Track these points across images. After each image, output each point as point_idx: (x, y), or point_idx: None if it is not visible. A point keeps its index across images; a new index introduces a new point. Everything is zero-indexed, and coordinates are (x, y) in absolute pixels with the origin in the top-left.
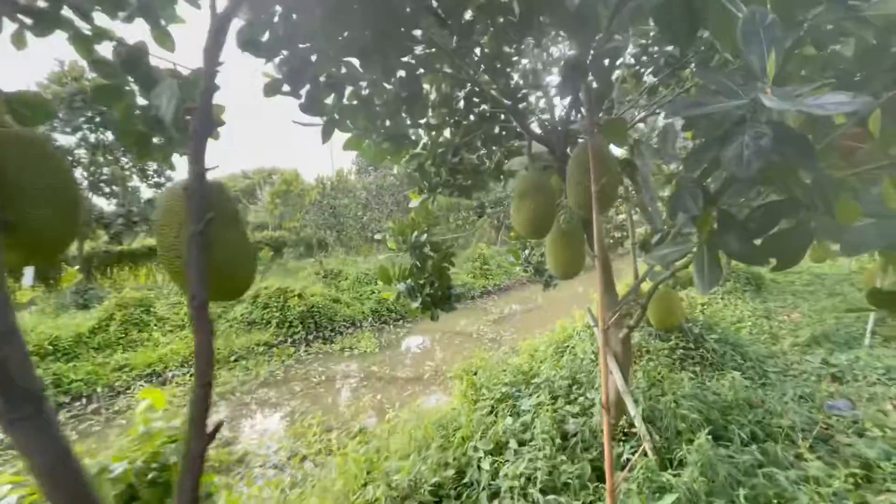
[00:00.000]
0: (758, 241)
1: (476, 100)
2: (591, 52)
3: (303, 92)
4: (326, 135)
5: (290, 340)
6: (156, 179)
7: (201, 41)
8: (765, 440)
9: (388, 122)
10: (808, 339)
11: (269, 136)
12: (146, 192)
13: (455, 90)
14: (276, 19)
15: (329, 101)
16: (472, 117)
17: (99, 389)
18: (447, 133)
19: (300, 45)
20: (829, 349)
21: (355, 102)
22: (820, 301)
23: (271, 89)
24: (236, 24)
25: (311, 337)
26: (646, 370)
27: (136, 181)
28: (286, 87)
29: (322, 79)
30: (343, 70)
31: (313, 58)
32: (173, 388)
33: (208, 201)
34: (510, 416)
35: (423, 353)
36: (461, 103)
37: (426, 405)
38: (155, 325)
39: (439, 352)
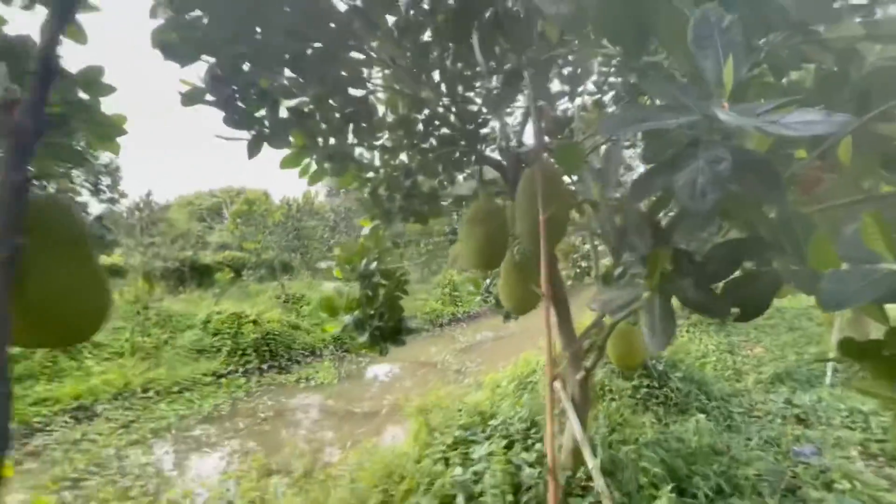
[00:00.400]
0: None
1: (437, 122)
2: (528, 56)
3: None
4: (253, 150)
5: (241, 370)
6: (109, 195)
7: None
8: (731, 494)
9: (331, 140)
10: (771, 376)
11: (243, 155)
12: (97, 208)
13: (413, 112)
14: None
15: (263, 113)
16: (432, 141)
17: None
18: (404, 156)
19: (226, 52)
20: (792, 388)
21: (287, 116)
22: (781, 335)
23: (190, 98)
24: (154, 23)
25: (265, 366)
26: (607, 412)
27: (86, 196)
28: (210, 97)
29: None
30: (284, 81)
31: (245, 66)
32: (102, 424)
33: (25, 222)
34: (461, 465)
35: (383, 385)
36: (420, 126)
37: (380, 445)
38: (90, 353)
39: (401, 384)
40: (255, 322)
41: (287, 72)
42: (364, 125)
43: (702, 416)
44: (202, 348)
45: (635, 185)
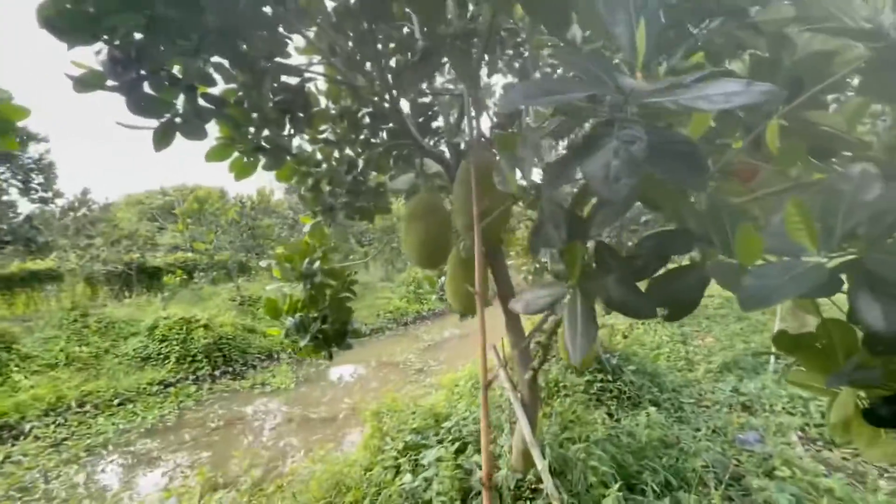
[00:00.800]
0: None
1: (386, 115)
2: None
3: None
4: (161, 141)
5: (191, 378)
6: (41, 194)
7: None
8: (679, 488)
9: (265, 132)
10: (720, 365)
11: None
12: (26, 207)
13: (357, 104)
14: None
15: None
16: (382, 135)
17: None
18: (350, 151)
19: (120, 25)
20: (739, 376)
21: (204, 104)
22: (730, 325)
23: (85, 84)
24: None
25: (217, 373)
26: (560, 410)
27: (14, 195)
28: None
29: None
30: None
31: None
32: (29, 444)
33: None
34: (411, 471)
35: (343, 388)
36: (367, 119)
37: (333, 452)
38: (17, 365)
39: (361, 386)
40: (206, 326)
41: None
42: (301, 115)
43: (653, 408)
44: (147, 356)
45: (548, 171)
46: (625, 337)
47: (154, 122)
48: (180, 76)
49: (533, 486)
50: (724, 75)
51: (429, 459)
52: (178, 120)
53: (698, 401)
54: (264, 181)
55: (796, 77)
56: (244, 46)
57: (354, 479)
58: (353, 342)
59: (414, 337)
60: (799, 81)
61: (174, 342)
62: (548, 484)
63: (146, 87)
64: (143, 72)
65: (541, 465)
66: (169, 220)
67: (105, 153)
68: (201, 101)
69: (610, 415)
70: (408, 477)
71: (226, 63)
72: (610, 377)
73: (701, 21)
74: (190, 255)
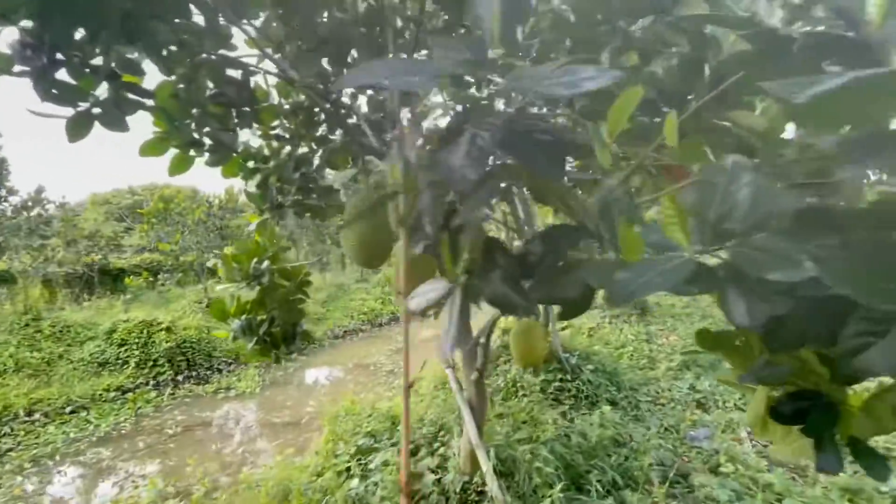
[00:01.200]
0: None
1: (343, 111)
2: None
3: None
4: (75, 131)
5: (152, 383)
6: None
7: None
8: (626, 486)
9: (207, 127)
10: (679, 363)
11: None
12: None
13: (310, 100)
14: None
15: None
16: (339, 131)
17: None
18: (306, 146)
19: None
20: (697, 374)
21: (129, 95)
22: (695, 324)
23: None
24: None
25: (180, 377)
26: (515, 411)
27: None
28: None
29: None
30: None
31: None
32: None
33: None
34: (361, 476)
35: (310, 392)
36: (322, 115)
37: (294, 457)
38: None
39: (328, 389)
40: (168, 329)
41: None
42: (247, 110)
43: (608, 408)
44: (105, 361)
45: (420, 163)
46: (589, 336)
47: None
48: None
49: (479, 489)
50: (589, 63)
51: (375, 463)
52: (96, 110)
53: (655, 399)
54: (234, 180)
55: (720, 76)
56: (185, 37)
57: (303, 484)
58: (340, 342)
59: (388, 338)
60: (722, 80)
61: (134, 346)
62: (492, 485)
63: (64, 74)
64: (57, 57)
65: (486, 466)
66: (137, 220)
67: (70, 152)
68: (126, 92)
69: (564, 414)
70: (355, 482)
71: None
72: (569, 377)
73: (636, 20)
74: (160, 256)
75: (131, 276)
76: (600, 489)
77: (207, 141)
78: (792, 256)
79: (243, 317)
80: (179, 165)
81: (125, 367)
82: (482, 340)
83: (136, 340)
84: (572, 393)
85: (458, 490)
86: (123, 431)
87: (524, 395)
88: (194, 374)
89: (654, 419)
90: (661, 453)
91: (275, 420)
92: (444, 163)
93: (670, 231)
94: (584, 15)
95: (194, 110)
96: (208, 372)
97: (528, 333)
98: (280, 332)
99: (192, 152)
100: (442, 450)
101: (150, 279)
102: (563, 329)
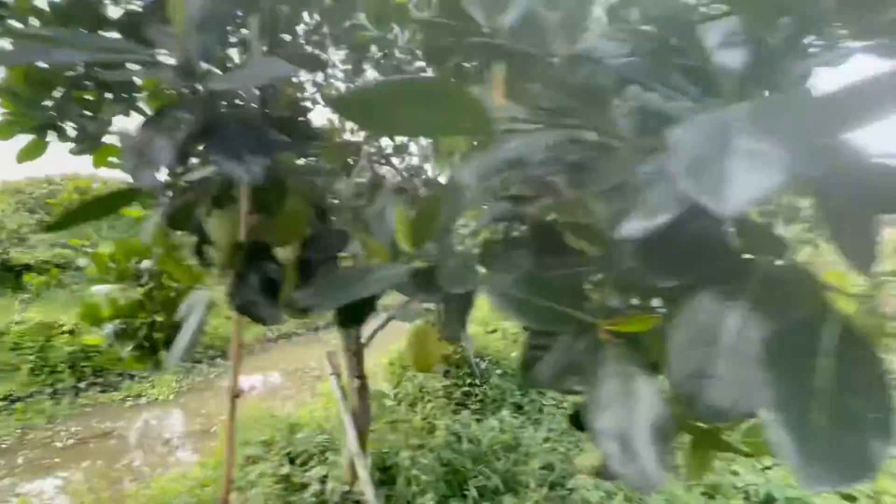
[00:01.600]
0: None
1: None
2: None
3: None
4: None
5: (48, 391)
6: None
7: None
8: (508, 491)
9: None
10: None
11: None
12: None
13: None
14: None
15: None
16: None
17: None
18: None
19: None
20: None
21: None
22: None
23: None
24: None
25: (83, 384)
26: (410, 417)
27: None
28: None
29: None
30: None
31: None
32: None
33: None
34: (237, 489)
35: (228, 399)
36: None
37: (193, 469)
38: None
39: (251, 396)
40: (72, 332)
41: None
42: (124, 95)
43: (507, 412)
44: None
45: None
46: (515, 342)
47: None
48: None
49: (356, 499)
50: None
51: (254, 475)
52: None
53: (558, 403)
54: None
55: None
56: None
57: (180, 499)
58: (272, 345)
59: (323, 342)
60: None
61: (28, 351)
62: (368, 494)
63: None
64: None
65: (363, 474)
66: (50, 211)
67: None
68: None
69: (463, 420)
70: (233, 496)
71: None
72: (477, 381)
73: None
74: (64, 251)
75: (33, 274)
76: (479, 495)
77: (71, 126)
78: (463, 277)
79: (117, 321)
80: (31, 151)
81: (17, 373)
82: (354, 348)
83: (31, 344)
84: (479, 398)
85: (337, 500)
86: (3, 445)
87: (429, 401)
88: (101, 380)
89: (554, 422)
90: (552, 457)
91: (184, 429)
92: (125, 156)
93: (398, 237)
94: None
95: (55, 91)
96: (118, 378)
97: (421, 337)
98: (163, 336)
99: (48, 138)
100: (334, 458)
101: (60, 277)
102: (492, 332)
